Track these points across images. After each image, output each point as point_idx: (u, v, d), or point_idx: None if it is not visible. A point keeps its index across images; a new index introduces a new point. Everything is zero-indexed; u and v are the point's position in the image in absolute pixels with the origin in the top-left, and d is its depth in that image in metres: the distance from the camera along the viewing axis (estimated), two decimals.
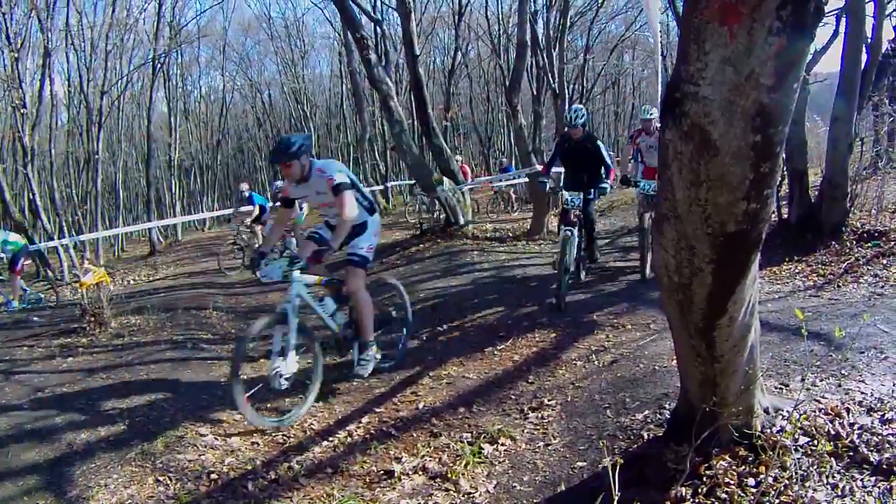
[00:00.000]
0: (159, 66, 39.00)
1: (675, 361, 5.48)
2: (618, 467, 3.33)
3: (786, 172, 11.68)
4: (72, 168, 46.30)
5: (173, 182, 48.11)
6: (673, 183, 3.37)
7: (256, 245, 17.24)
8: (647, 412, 5.63)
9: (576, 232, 10.22)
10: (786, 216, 11.87)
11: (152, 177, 41.28)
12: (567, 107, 25.68)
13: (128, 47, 38.17)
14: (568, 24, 27.81)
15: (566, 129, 10.80)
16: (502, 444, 5.71)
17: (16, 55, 25.87)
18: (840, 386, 5.34)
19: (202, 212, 49.36)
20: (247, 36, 57.73)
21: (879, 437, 4.29)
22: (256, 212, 18.90)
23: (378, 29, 29.32)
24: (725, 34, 2.88)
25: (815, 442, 4.23)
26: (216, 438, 6.40)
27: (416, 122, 28.72)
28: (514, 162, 35.87)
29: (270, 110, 62.24)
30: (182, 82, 51.53)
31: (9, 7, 25.88)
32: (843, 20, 11.33)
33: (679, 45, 3.22)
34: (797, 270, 9.95)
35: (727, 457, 4.22)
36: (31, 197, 27.68)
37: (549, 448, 5.53)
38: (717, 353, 3.95)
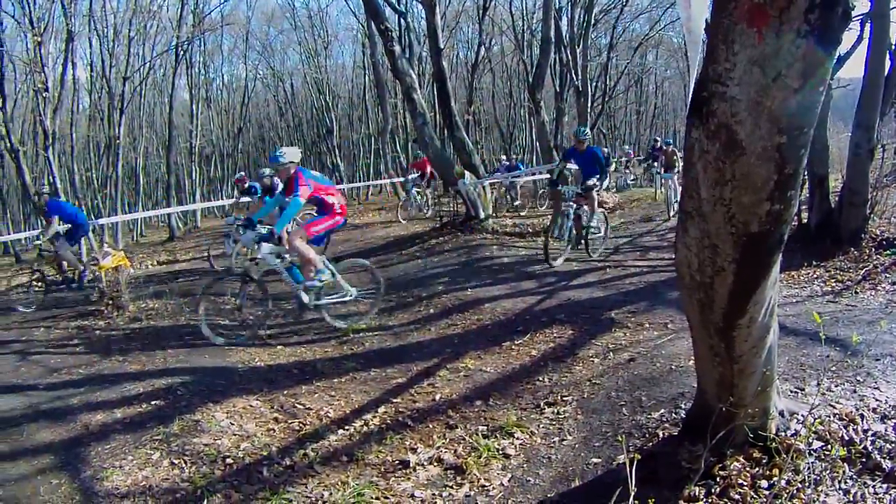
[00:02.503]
0: (182, 53, 39.05)
1: (691, 361, 5.47)
2: (635, 463, 3.34)
3: (806, 177, 11.62)
4: (92, 152, 46.56)
5: (194, 169, 48.21)
6: (698, 181, 3.38)
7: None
8: (662, 411, 5.62)
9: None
10: (805, 221, 11.83)
11: (173, 163, 41.36)
12: (590, 105, 25.72)
13: (151, 34, 38.26)
14: (592, 21, 27.74)
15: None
16: (518, 438, 5.71)
17: (39, 39, 25.97)
18: (855, 392, 5.33)
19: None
20: (270, 25, 57.88)
21: (892, 445, 4.29)
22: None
23: (402, 21, 29.30)
24: (754, 35, 2.89)
25: (829, 447, 4.23)
26: (232, 423, 6.42)
27: (438, 116, 28.73)
28: (532, 159, 35.83)
29: (292, 100, 62.29)
30: (204, 70, 51.60)
31: None
32: (868, 25, 11.24)
33: (707, 45, 3.22)
34: (815, 275, 9.90)
35: (741, 458, 4.22)
36: (52, 180, 27.69)
37: (564, 443, 5.54)
38: (736, 354, 3.95)
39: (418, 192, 25.83)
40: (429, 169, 25.17)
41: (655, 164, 26.50)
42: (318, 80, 53.95)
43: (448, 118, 19.73)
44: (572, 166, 16.09)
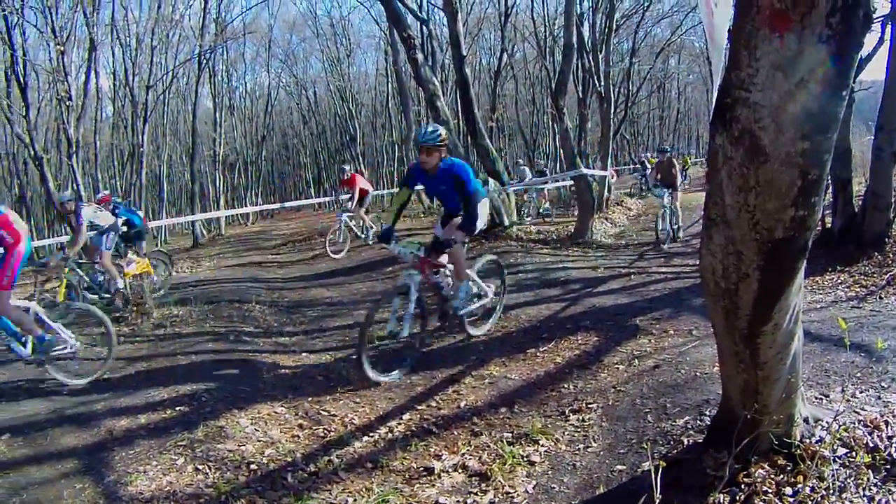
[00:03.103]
0: (204, 61, 39.31)
1: (716, 368, 5.47)
2: (661, 469, 3.34)
3: (829, 181, 11.54)
4: (116, 160, 46.90)
5: (217, 176, 48.32)
6: (722, 187, 3.38)
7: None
8: (687, 418, 5.60)
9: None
10: (829, 225, 11.77)
11: (196, 171, 41.57)
12: (613, 111, 25.51)
13: (173, 43, 38.58)
14: (614, 26, 27.63)
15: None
16: (542, 445, 5.71)
17: (62, 48, 26.21)
18: (880, 398, 5.30)
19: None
20: (292, 33, 58.11)
21: None
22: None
23: (424, 28, 29.34)
24: (776, 40, 2.89)
25: (854, 453, 4.21)
26: (257, 430, 6.46)
27: (461, 123, 28.75)
28: (556, 165, 35.46)
29: (315, 108, 62.56)
30: (227, 78, 51.84)
31: (54, 1, 26.18)
32: (889, 27, 11.17)
33: (730, 51, 3.23)
34: (839, 280, 9.85)
35: (766, 465, 4.20)
36: (76, 188, 27.95)
37: (589, 450, 5.54)
38: (761, 360, 3.94)
39: (350, 217, 21.29)
40: (359, 186, 21.35)
41: (647, 178, 23.92)
42: (340, 88, 54.12)
43: (471, 125, 19.75)
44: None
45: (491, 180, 18.86)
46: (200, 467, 5.67)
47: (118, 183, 43.34)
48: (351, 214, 21.26)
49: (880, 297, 8.73)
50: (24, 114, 25.51)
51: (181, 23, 38.32)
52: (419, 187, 9.60)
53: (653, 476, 3.26)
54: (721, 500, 4.03)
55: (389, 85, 53.28)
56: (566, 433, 5.93)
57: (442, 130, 8.28)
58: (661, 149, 20.39)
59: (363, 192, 21.34)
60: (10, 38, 24.57)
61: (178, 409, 7.01)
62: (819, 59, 2.87)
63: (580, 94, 30.66)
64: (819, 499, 3.88)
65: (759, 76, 3.00)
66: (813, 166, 3.11)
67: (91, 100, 31.11)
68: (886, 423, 4.69)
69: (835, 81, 2.93)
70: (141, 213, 15.78)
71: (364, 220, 21.67)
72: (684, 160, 45.64)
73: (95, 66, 31.22)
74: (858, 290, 9.27)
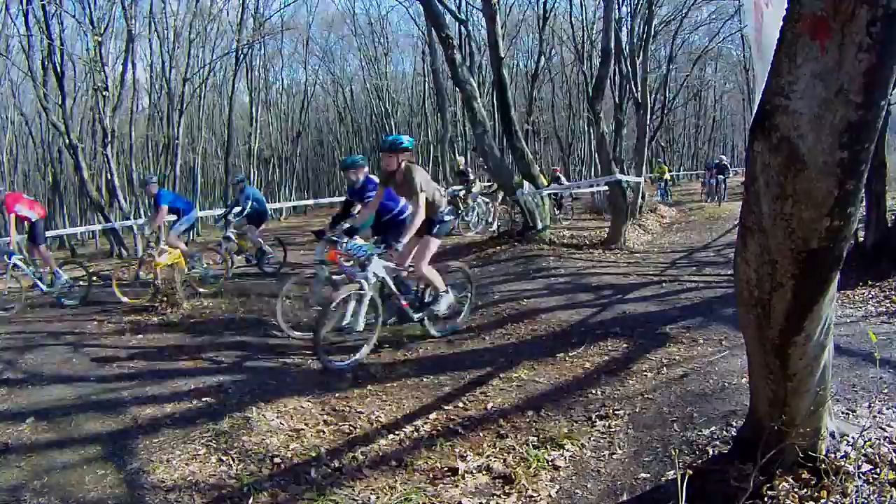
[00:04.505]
0: (242, 57, 39.59)
1: (744, 379, 5.44)
2: (686, 479, 3.32)
3: (864, 194, 11.38)
4: (151, 151, 47.29)
5: (252, 171, 48.54)
6: (759, 195, 3.36)
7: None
8: (713, 428, 5.56)
9: None
10: (861, 239, 11.65)
11: (231, 164, 41.75)
12: (649, 118, 25.37)
13: (211, 37, 38.98)
14: (652, 32, 27.51)
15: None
16: (568, 450, 5.69)
17: (99, 39, 26.49)
18: None
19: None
20: (330, 31, 58.41)
21: None
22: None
23: (462, 29, 29.36)
24: (816, 49, 2.88)
25: (878, 470, 4.18)
26: (282, 423, 6.50)
27: (497, 124, 28.68)
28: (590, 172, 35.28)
29: (352, 105, 62.75)
30: (264, 74, 52.12)
31: None
32: None
33: (772, 57, 3.20)
34: (871, 295, 9.72)
35: (790, 478, 4.17)
36: (109, 177, 28.29)
37: (614, 457, 5.51)
38: (791, 372, 3.91)
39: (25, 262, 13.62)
40: (16, 212, 13.22)
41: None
42: (377, 87, 54.36)
43: (508, 127, 19.70)
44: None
45: (526, 183, 18.82)
46: (224, 458, 5.71)
47: (152, 173, 43.62)
48: (22, 258, 13.71)
49: None
50: (59, 103, 25.88)
51: (219, 17, 38.66)
52: None
53: (678, 485, 3.25)
54: None
55: (426, 85, 53.44)
56: (592, 439, 5.90)
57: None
58: (388, 143, 9.45)
59: (26, 221, 13.64)
60: (49, 28, 24.91)
61: (204, 399, 7.06)
62: (859, 69, 2.84)
63: (617, 99, 30.61)
64: None
65: (798, 84, 2.98)
66: (850, 176, 3.09)
67: (127, 91, 31.41)
68: None
69: (874, 92, 2.91)
70: None
71: (49, 263, 13.93)
72: (661, 169, 39.89)
73: (132, 58, 31.54)
74: (889, 305, 9.15)
